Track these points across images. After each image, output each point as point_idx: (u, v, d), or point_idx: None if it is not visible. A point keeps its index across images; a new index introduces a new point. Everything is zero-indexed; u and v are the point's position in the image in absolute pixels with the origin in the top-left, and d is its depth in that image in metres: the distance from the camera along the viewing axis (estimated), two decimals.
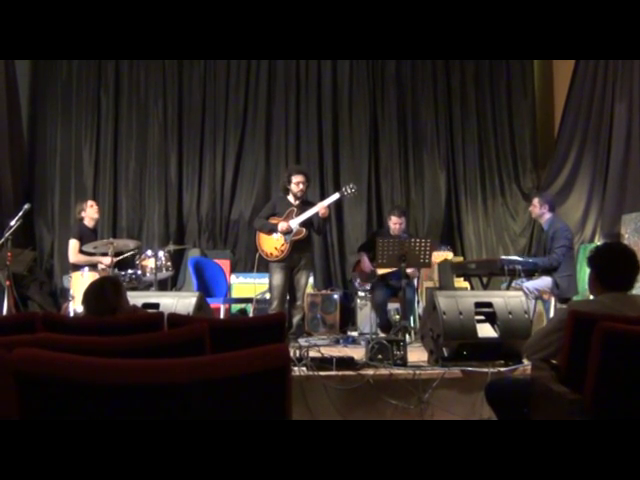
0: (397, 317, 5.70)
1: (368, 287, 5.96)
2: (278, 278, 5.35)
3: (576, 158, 6.91)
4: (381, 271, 5.65)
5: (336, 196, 5.56)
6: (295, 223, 5.32)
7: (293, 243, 5.30)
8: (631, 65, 6.11)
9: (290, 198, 5.48)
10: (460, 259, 7.21)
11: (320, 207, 5.31)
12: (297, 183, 5.41)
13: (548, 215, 5.53)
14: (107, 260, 5.63)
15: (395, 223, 5.82)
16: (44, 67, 7.45)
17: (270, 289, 5.49)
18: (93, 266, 5.74)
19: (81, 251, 5.83)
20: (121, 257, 5.81)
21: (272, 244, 5.35)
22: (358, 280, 6.02)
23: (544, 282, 5.26)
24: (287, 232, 5.31)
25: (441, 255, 5.97)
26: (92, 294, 2.76)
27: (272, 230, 5.34)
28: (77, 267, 5.72)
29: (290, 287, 5.45)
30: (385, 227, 6.32)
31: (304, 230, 5.32)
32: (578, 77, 6.93)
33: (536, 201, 5.59)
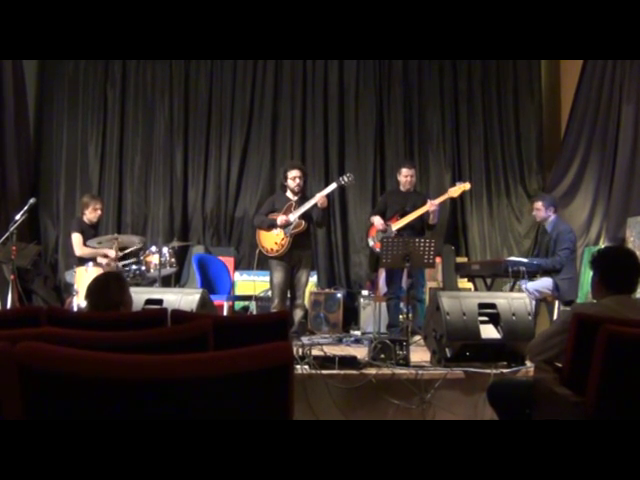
0: (401, 317, 5.68)
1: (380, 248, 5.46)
2: (278, 276, 5.37)
3: (582, 160, 6.89)
4: (396, 226, 5.60)
5: (334, 186, 5.57)
6: (294, 216, 5.33)
7: (293, 237, 5.30)
8: (639, 66, 6.09)
9: (289, 194, 5.49)
10: (464, 260, 7.20)
11: (318, 197, 5.32)
12: (293, 178, 5.42)
13: (553, 217, 5.53)
14: (112, 252, 5.66)
15: (406, 175, 5.76)
16: (51, 63, 7.44)
17: (271, 287, 5.50)
18: (97, 261, 5.77)
19: (85, 245, 5.87)
20: (127, 251, 5.84)
21: (272, 239, 5.37)
22: (373, 243, 5.71)
23: (544, 283, 5.26)
24: (286, 225, 5.31)
25: (457, 189, 5.66)
26: (96, 289, 2.73)
27: (272, 225, 5.36)
28: (81, 262, 5.74)
29: (291, 285, 5.46)
30: (393, 186, 6.19)
31: (303, 222, 5.33)
32: (585, 79, 6.90)
33: (540, 204, 5.58)
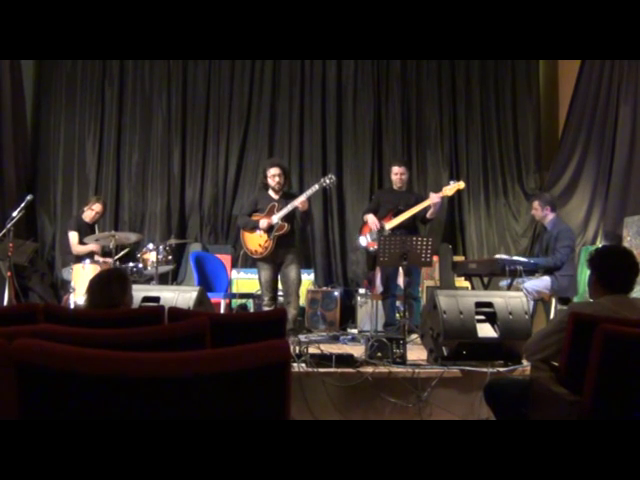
0: (398, 315, 5.69)
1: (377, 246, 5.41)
2: (266, 274, 5.37)
3: (580, 159, 6.90)
4: (389, 225, 5.60)
5: (315, 188, 5.50)
6: (276, 218, 5.30)
7: (277, 239, 5.29)
8: (637, 66, 6.09)
9: (271, 193, 5.46)
10: (461, 258, 7.20)
11: (299, 201, 5.28)
12: (272, 176, 5.38)
13: (551, 216, 5.56)
14: (93, 246, 5.83)
15: (396, 173, 5.76)
16: (49, 60, 7.42)
17: (260, 285, 5.49)
18: (93, 257, 5.81)
19: (81, 243, 5.91)
20: (122, 253, 5.87)
21: (256, 241, 5.35)
22: (367, 242, 5.72)
23: (543, 283, 5.27)
24: (269, 229, 5.29)
25: (452, 188, 5.64)
26: (97, 286, 2.65)
27: (255, 227, 5.33)
28: (79, 259, 5.76)
29: (281, 283, 5.45)
30: (385, 186, 6.19)
31: (286, 225, 5.30)
32: (583, 78, 6.91)
33: (537, 204, 5.62)
